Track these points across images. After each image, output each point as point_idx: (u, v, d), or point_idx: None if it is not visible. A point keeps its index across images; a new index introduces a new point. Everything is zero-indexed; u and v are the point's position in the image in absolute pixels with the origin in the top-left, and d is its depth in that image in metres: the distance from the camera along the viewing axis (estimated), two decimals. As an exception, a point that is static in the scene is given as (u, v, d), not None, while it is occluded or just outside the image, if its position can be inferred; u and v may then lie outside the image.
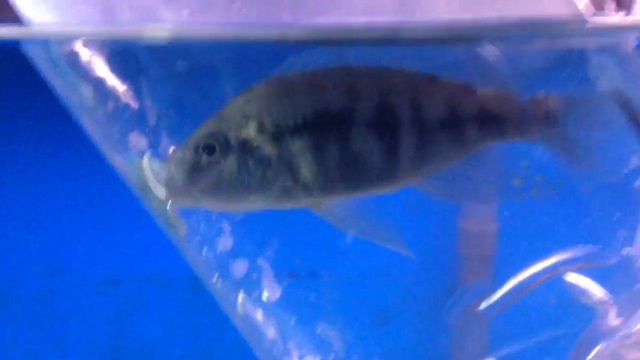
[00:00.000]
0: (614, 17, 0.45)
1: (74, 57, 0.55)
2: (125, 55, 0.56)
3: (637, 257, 0.62)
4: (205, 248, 0.62)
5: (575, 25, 0.43)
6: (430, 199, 0.70)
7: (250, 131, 0.50)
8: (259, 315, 0.63)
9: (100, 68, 0.55)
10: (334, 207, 0.53)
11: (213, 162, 0.50)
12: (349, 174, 0.51)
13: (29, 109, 1.16)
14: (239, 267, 0.63)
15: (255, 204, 0.52)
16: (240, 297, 0.59)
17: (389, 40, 0.49)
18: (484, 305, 0.67)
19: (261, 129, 0.50)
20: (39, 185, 1.27)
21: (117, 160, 0.57)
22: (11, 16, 0.52)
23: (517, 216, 0.67)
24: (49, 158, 1.29)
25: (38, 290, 1.40)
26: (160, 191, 0.53)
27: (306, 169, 0.50)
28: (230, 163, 0.50)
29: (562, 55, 0.57)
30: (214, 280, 0.62)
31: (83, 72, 0.55)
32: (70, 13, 0.50)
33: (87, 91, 0.55)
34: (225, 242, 0.63)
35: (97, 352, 1.48)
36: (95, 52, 0.55)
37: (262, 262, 0.64)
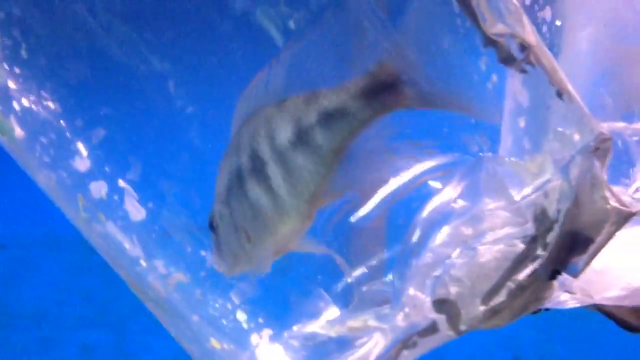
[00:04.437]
0: None
1: None
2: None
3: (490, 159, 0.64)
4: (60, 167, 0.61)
5: None
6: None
7: None
8: (119, 234, 0.62)
9: None
10: None
11: None
12: None
13: None
14: (97, 188, 0.62)
15: None
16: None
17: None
18: (354, 217, 0.68)
19: None
20: None
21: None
22: None
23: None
24: None
25: None
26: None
27: None
28: None
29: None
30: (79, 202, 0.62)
31: None
32: None
33: None
34: (82, 163, 0.62)
35: (-15, 320, 1.42)
36: None
37: (124, 184, 0.63)
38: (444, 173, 0.68)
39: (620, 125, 0.81)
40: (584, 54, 0.77)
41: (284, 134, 0.53)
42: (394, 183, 0.70)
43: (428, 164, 0.69)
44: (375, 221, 0.70)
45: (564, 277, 0.65)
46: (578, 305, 0.72)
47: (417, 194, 0.63)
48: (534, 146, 0.63)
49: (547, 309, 0.72)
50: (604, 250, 0.70)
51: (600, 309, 0.81)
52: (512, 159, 0.63)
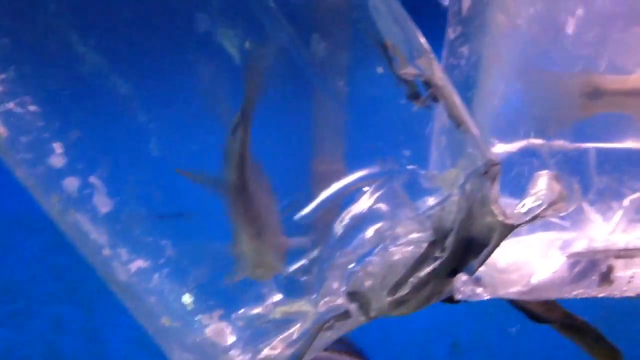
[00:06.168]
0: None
1: None
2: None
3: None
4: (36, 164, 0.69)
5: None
6: (282, 140, 0.79)
7: None
8: (87, 224, 0.71)
9: None
10: None
11: None
12: None
13: None
14: (70, 183, 0.71)
15: None
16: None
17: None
18: (298, 216, 0.78)
19: None
20: None
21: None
22: None
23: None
24: None
25: None
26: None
27: None
28: None
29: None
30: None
31: None
32: None
33: None
34: (57, 160, 0.71)
35: (-41, 294, 1.49)
36: None
37: (94, 180, 0.72)
38: (373, 181, 0.78)
39: (539, 142, 0.91)
40: (506, 78, 0.87)
41: None
42: (333, 188, 0.81)
43: (361, 173, 0.80)
44: (315, 219, 0.80)
45: (482, 273, 0.76)
46: (489, 297, 0.83)
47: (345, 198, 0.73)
48: (452, 161, 0.73)
49: (459, 301, 0.83)
50: (509, 252, 0.82)
51: (512, 302, 0.92)
52: (433, 171, 0.74)
